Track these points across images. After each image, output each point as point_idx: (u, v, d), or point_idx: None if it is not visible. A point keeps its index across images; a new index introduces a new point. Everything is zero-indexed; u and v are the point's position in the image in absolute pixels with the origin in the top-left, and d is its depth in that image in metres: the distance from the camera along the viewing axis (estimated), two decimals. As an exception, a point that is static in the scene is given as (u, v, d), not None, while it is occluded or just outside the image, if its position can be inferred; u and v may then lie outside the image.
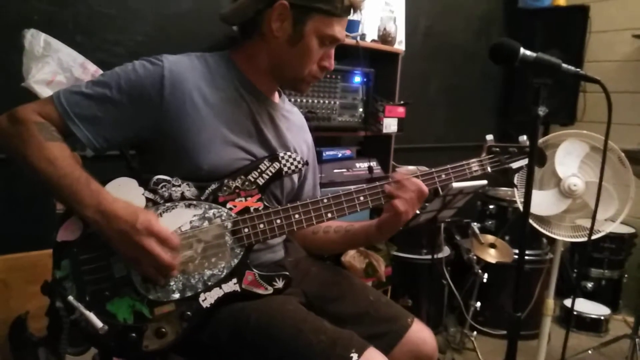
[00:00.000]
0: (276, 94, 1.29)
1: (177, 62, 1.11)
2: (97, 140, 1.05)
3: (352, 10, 1.15)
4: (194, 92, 1.10)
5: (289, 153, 1.18)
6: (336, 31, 1.14)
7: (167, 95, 1.07)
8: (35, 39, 1.37)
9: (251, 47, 1.18)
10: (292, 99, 1.43)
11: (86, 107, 1.04)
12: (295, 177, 1.30)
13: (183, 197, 1.07)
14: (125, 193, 1.02)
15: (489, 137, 1.35)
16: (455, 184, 1.80)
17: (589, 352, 2.54)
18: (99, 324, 0.98)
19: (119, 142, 1.10)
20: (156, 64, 1.09)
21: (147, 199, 1.05)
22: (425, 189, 1.20)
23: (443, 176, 1.27)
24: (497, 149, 1.33)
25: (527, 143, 1.33)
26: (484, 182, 1.91)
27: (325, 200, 1.16)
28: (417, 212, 1.94)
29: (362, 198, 1.19)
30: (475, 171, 1.31)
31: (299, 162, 1.18)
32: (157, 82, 1.07)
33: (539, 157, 1.36)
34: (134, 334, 1.02)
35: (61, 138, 1.02)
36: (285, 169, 1.16)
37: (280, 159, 1.16)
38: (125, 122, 1.06)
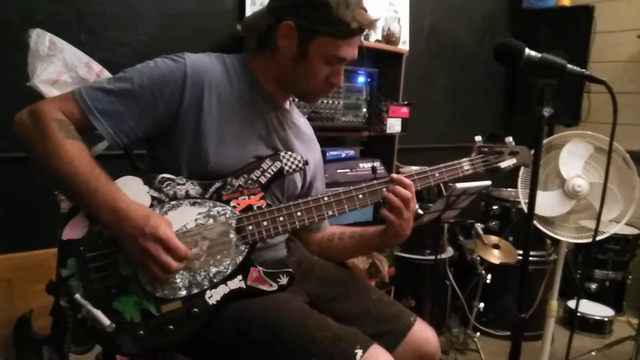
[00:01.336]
0: (287, 101, 1.31)
1: (199, 60, 1.13)
2: (119, 135, 1.06)
3: (362, 31, 1.15)
4: (212, 91, 1.12)
5: (289, 152, 1.19)
6: (342, 52, 1.14)
7: (188, 91, 1.09)
8: (41, 39, 1.38)
9: (264, 57, 1.20)
10: (297, 101, 1.43)
11: (108, 103, 1.05)
12: (298, 178, 1.30)
13: (188, 196, 1.08)
14: (130, 191, 1.03)
15: (478, 138, 1.40)
16: (459, 185, 1.81)
17: (593, 353, 2.53)
18: (106, 322, 0.98)
19: (139, 137, 1.11)
20: (178, 61, 1.11)
21: (152, 197, 1.06)
22: (408, 195, 1.18)
23: (437, 175, 1.30)
24: (486, 149, 1.38)
25: (513, 144, 1.39)
26: (488, 182, 1.91)
27: (325, 198, 1.18)
28: (421, 212, 1.95)
29: (360, 196, 1.20)
30: (467, 170, 1.35)
31: (299, 162, 1.19)
32: (180, 79, 1.09)
33: (527, 157, 1.40)
34: (141, 332, 1.02)
35: (80, 137, 1.03)
36: (287, 167, 1.17)
37: (281, 158, 1.18)
38: (146, 117, 1.08)
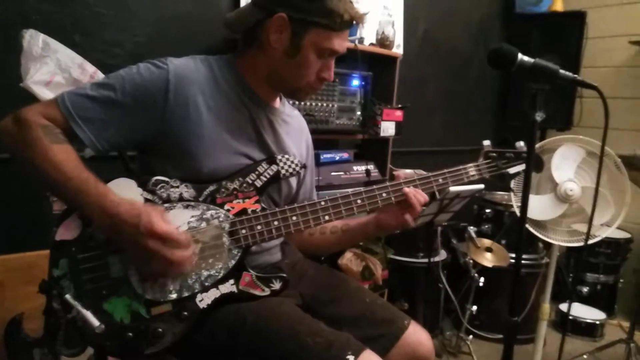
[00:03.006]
0: (277, 99, 1.30)
1: (182, 65, 1.11)
2: (101, 142, 1.05)
3: (353, 23, 1.15)
4: (197, 96, 1.11)
5: (286, 156, 1.19)
6: (335, 44, 1.14)
7: (172, 99, 1.08)
8: (34, 39, 1.37)
9: (252, 55, 1.19)
10: (291, 102, 1.43)
11: (90, 110, 1.04)
12: (294, 180, 1.30)
13: (181, 198, 1.08)
14: (123, 193, 1.02)
15: (486, 142, 1.36)
16: (452, 188, 1.81)
17: (584, 356, 2.55)
18: (95, 322, 0.97)
19: (122, 144, 1.10)
20: (161, 68, 1.09)
21: (146, 200, 1.05)
22: (426, 198, 1.25)
23: (440, 180, 1.29)
24: (494, 154, 1.34)
25: (524, 149, 1.34)
26: (481, 186, 1.92)
27: (322, 203, 1.17)
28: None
29: (359, 201, 1.20)
30: (472, 176, 1.33)
31: (296, 165, 1.19)
32: (162, 86, 1.07)
33: (536, 163, 1.37)
34: (130, 334, 1.02)
35: (66, 140, 1.02)
36: (283, 171, 1.17)
37: (278, 161, 1.17)
38: (128, 125, 1.07)
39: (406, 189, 1.22)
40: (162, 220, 0.97)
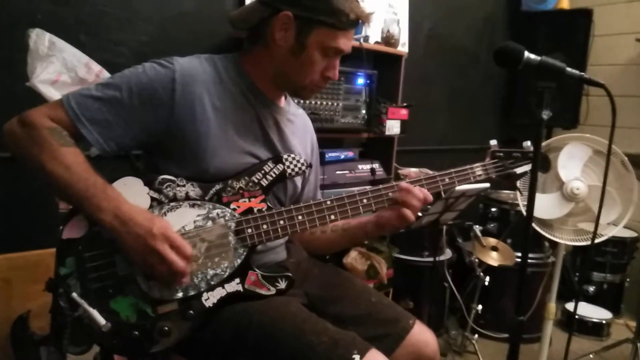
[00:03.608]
0: (282, 98, 1.30)
1: (188, 65, 1.11)
2: (108, 143, 1.05)
3: (359, 23, 1.15)
4: (203, 95, 1.11)
5: (292, 155, 1.19)
6: (340, 43, 1.14)
7: (178, 98, 1.08)
8: (40, 39, 1.37)
9: (257, 53, 1.19)
10: (296, 100, 1.43)
11: (96, 110, 1.04)
12: (299, 180, 1.30)
13: (187, 197, 1.08)
14: (130, 192, 1.03)
15: (493, 142, 1.36)
16: (458, 187, 1.80)
17: (591, 356, 2.54)
18: (102, 321, 0.98)
19: (129, 144, 1.10)
20: (167, 67, 1.09)
21: (152, 198, 1.05)
22: (430, 197, 1.22)
23: (447, 180, 1.28)
24: (501, 154, 1.34)
25: (531, 149, 1.33)
26: (487, 184, 1.91)
27: (328, 202, 1.16)
28: (420, 214, 1.95)
29: (365, 201, 1.19)
30: (479, 176, 1.32)
31: (302, 165, 1.18)
32: (168, 85, 1.07)
33: (543, 163, 1.36)
34: (136, 332, 1.02)
35: (74, 142, 1.02)
36: (289, 170, 1.17)
37: (284, 160, 1.17)
38: (135, 125, 1.07)
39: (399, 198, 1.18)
40: (173, 230, 1.00)
